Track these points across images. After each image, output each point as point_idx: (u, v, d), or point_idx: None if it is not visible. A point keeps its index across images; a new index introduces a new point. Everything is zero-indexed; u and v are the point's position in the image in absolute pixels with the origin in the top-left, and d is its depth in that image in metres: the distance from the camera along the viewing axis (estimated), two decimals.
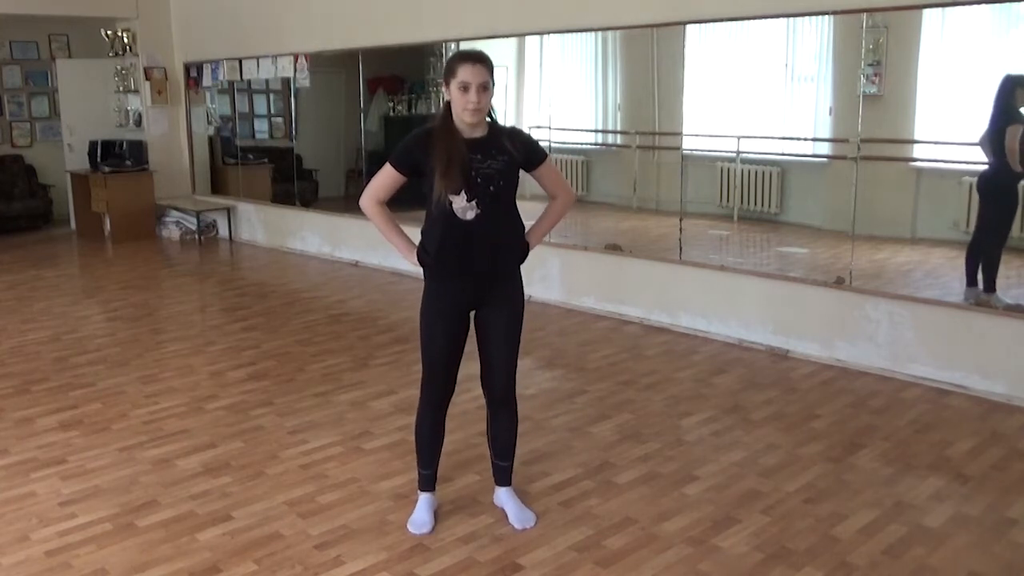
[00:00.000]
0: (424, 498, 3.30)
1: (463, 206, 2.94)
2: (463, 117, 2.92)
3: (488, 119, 3.01)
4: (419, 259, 3.10)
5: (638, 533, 3.21)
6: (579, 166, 7.35)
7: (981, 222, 4.89)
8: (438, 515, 3.30)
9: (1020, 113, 4.66)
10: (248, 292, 7.46)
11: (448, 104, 2.97)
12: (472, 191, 2.93)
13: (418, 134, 3.01)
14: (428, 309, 3.10)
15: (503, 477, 3.35)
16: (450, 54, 3.66)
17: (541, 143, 7.31)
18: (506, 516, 3.29)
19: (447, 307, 3.07)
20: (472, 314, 3.14)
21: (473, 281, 3.05)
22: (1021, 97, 4.64)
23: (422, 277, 3.15)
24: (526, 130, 4.40)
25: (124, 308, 6.80)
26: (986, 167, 4.81)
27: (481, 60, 2.93)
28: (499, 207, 3.01)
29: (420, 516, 3.25)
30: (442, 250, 3.00)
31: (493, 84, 2.94)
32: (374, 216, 3.11)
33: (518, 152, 3.01)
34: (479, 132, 2.98)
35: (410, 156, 3.00)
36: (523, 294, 3.18)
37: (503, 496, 3.35)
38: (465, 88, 2.88)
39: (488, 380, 3.20)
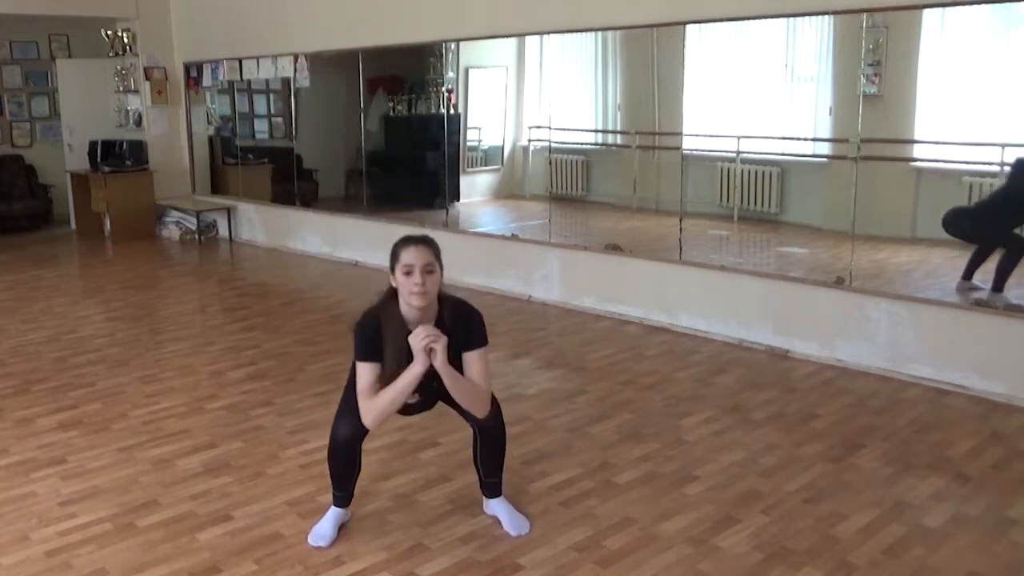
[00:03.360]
0: (333, 512, 3.22)
1: (407, 399, 2.93)
2: (410, 302, 2.85)
3: (440, 302, 2.94)
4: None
5: (638, 533, 3.20)
6: (579, 166, 7.35)
7: (1002, 239, 4.94)
8: (343, 530, 3.21)
9: None
10: (248, 292, 7.46)
11: (393, 290, 2.92)
12: (419, 390, 2.90)
13: (368, 325, 2.92)
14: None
15: (493, 490, 3.31)
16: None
17: (540, 144, 7.32)
18: (500, 524, 3.25)
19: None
20: None
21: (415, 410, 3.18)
22: None
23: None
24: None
25: (124, 308, 6.81)
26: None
27: (425, 242, 2.89)
28: (440, 391, 2.98)
29: (323, 528, 3.17)
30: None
31: (440, 267, 2.88)
32: (385, 406, 2.88)
33: (459, 333, 2.92)
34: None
35: (373, 344, 2.89)
36: None
37: (494, 505, 3.30)
38: (409, 272, 2.83)
39: (470, 415, 3.12)
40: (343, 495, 3.21)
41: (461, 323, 2.96)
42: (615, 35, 6.80)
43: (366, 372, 2.90)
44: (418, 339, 2.79)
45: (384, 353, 2.89)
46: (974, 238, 5.02)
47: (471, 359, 2.97)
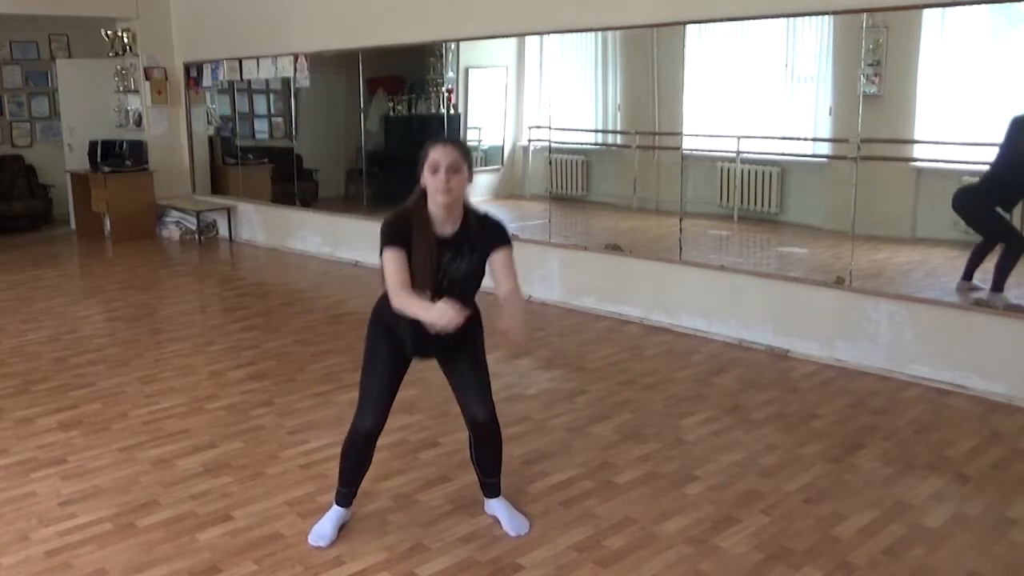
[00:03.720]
0: (334, 511, 3.23)
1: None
2: (436, 199, 2.87)
3: (464, 209, 2.96)
4: (377, 311, 3.08)
5: (638, 533, 3.21)
6: (579, 166, 7.35)
7: (1003, 233, 4.92)
8: (343, 530, 3.22)
9: None
10: (248, 292, 7.46)
11: (422, 191, 2.93)
12: (438, 293, 2.89)
13: (398, 219, 2.94)
14: (373, 343, 3.08)
15: (492, 491, 3.33)
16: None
17: (540, 144, 7.30)
18: (499, 524, 3.26)
19: (392, 347, 3.05)
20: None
21: (423, 346, 3.07)
22: None
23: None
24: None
25: (124, 308, 6.80)
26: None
27: (453, 143, 2.92)
28: (459, 302, 2.95)
29: (323, 528, 3.18)
30: (397, 321, 2.98)
31: (469, 170, 2.90)
32: (410, 304, 2.85)
33: (486, 239, 2.93)
34: (450, 227, 2.92)
35: (399, 232, 2.91)
36: (480, 327, 3.12)
37: (494, 505, 3.32)
38: (435, 169, 2.84)
39: (466, 409, 3.15)
40: (348, 492, 3.22)
41: (486, 227, 2.98)
42: (615, 35, 6.80)
43: (393, 258, 2.89)
44: (440, 320, 2.73)
45: (411, 247, 2.90)
46: (979, 218, 4.99)
47: (499, 258, 2.96)
